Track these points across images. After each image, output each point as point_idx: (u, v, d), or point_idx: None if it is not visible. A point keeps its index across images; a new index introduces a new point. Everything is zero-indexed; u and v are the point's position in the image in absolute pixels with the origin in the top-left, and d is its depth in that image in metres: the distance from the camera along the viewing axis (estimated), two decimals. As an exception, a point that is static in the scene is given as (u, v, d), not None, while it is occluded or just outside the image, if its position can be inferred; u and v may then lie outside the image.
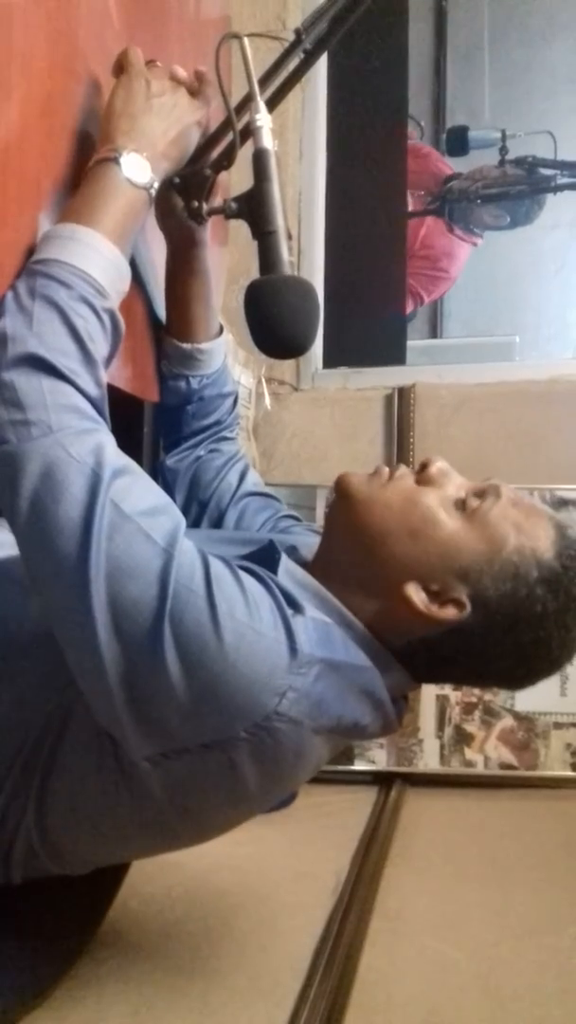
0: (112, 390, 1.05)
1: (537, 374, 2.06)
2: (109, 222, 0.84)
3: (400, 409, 2.04)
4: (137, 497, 0.76)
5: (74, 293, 0.79)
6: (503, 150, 2.70)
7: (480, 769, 1.87)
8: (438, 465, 0.88)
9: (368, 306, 2.30)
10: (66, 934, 0.96)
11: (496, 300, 3.79)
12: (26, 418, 0.74)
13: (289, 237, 0.90)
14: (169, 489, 1.16)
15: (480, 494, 0.86)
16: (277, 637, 0.75)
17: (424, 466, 0.88)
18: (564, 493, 1.89)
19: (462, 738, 1.89)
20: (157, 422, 1.18)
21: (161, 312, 1.13)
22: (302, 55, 0.93)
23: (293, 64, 0.94)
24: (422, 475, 0.88)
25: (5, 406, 0.74)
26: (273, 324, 0.90)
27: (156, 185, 0.89)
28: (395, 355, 2.32)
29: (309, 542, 1.02)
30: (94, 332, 0.80)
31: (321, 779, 1.79)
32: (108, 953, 1.07)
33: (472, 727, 1.89)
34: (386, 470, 0.89)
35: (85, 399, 0.77)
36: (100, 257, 0.82)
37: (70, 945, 0.96)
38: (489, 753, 1.88)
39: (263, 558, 0.86)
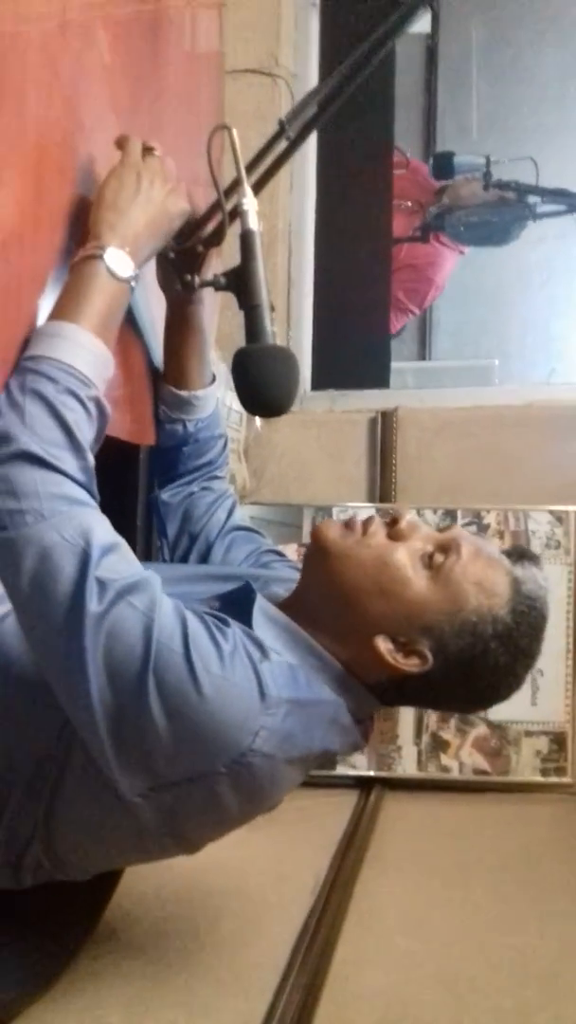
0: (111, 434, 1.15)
1: (513, 399, 2.17)
2: (93, 316, 0.91)
3: (383, 432, 2.15)
4: (122, 570, 0.85)
5: (60, 386, 0.87)
6: (487, 175, 2.80)
7: (455, 774, 1.98)
8: (408, 519, 0.97)
9: (355, 329, 2.40)
10: (67, 931, 1.07)
11: (483, 313, 3.88)
12: (20, 507, 0.83)
13: (272, 309, 1.00)
14: (162, 521, 1.26)
15: (444, 548, 0.95)
16: (248, 684, 0.85)
17: (395, 521, 0.97)
18: (535, 513, 2.02)
19: (438, 745, 2.00)
20: (155, 461, 1.28)
21: (158, 360, 1.23)
22: (286, 142, 1.03)
23: (278, 150, 1.04)
24: (393, 530, 0.97)
25: (2, 497, 0.83)
26: (257, 389, 1.00)
27: (137, 276, 0.96)
28: (380, 377, 2.42)
29: (286, 576, 1.12)
30: (80, 421, 0.88)
31: (305, 783, 1.90)
32: (103, 949, 1.18)
33: (448, 734, 2.00)
34: (359, 524, 0.97)
35: (74, 483, 0.86)
36: (84, 350, 0.89)
37: (70, 942, 1.07)
38: (464, 759, 1.99)
39: (240, 597, 0.96)
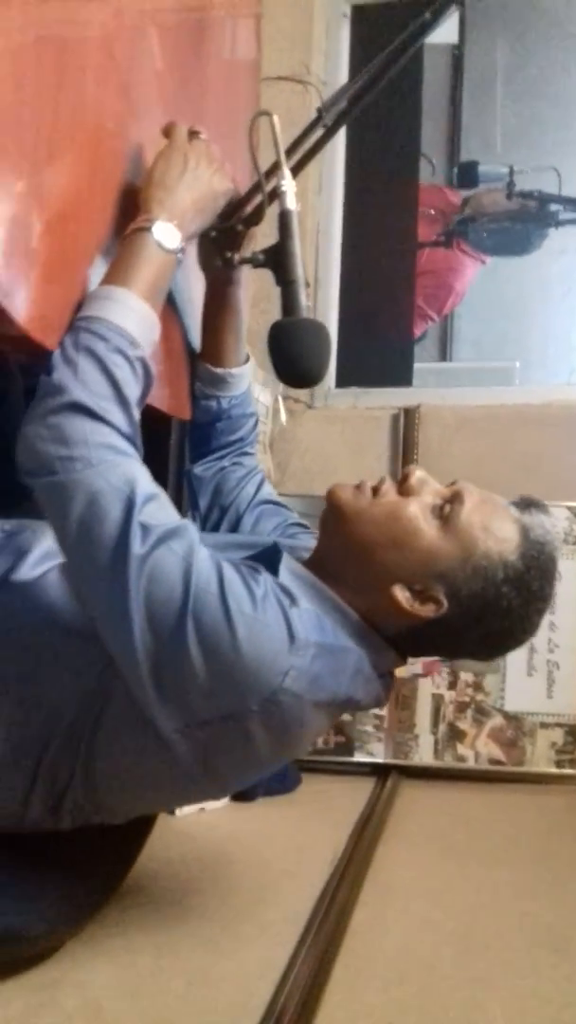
0: (146, 409, 1.21)
1: (533, 398, 2.22)
2: (142, 283, 0.98)
3: (406, 428, 2.20)
4: (162, 518, 0.91)
5: (111, 345, 0.93)
6: (510, 185, 2.86)
7: (471, 764, 2.02)
8: (417, 475, 1.02)
9: (379, 330, 2.46)
10: (99, 877, 1.11)
11: (504, 323, 3.93)
12: (71, 454, 0.89)
13: (307, 285, 1.06)
14: (194, 494, 1.32)
15: (452, 500, 1.00)
16: (279, 626, 0.90)
17: (405, 477, 1.03)
18: (554, 509, 2.06)
19: (455, 735, 2.04)
20: (189, 436, 1.33)
21: (195, 341, 1.29)
22: (323, 129, 1.09)
23: (315, 136, 1.10)
24: (403, 486, 1.02)
25: (54, 444, 0.89)
26: (292, 360, 1.06)
27: (183, 249, 1.04)
28: (403, 376, 2.48)
29: (311, 546, 1.17)
30: (128, 378, 0.94)
31: (322, 769, 1.98)
32: (131, 902, 1.23)
33: (464, 724, 2.04)
34: (370, 485, 1.03)
35: (120, 435, 0.92)
36: (133, 313, 0.96)
37: (101, 887, 1.11)
38: (479, 749, 2.03)
39: (267, 557, 1.01)
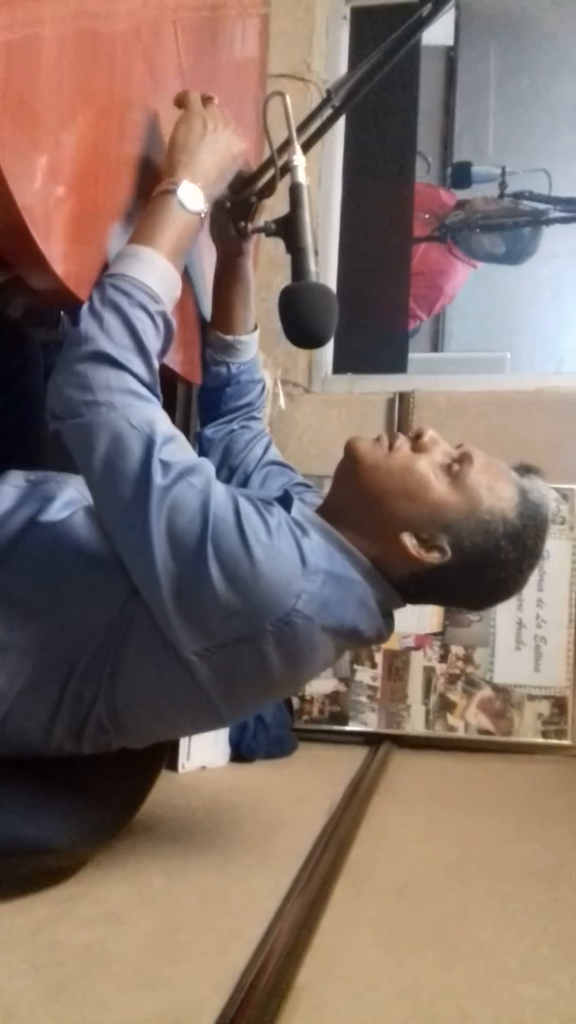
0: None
1: (524, 385, 2.31)
2: (166, 243, 1.06)
3: (400, 412, 2.29)
4: (181, 456, 1.00)
5: (134, 300, 1.02)
6: (503, 185, 2.96)
7: (461, 733, 2.10)
8: (430, 434, 1.11)
9: (375, 319, 2.55)
10: (117, 798, 1.19)
11: (494, 323, 4.03)
12: (96, 399, 0.97)
13: (315, 253, 1.14)
14: (205, 455, 1.39)
15: (460, 459, 1.09)
16: (292, 553, 0.99)
17: (418, 435, 1.11)
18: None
19: (445, 705, 2.12)
20: (200, 401, 1.42)
21: (207, 311, 1.38)
22: (331, 110, 1.18)
23: (324, 116, 1.18)
24: (417, 443, 1.11)
25: (80, 390, 0.98)
26: (301, 320, 1.14)
27: (206, 210, 1.11)
28: (397, 364, 2.56)
29: (316, 503, 1.25)
30: (148, 331, 1.02)
31: (316, 739, 2.06)
32: (142, 838, 1.30)
33: (455, 696, 2.12)
34: (386, 439, 1.11)
35: (140, 383, 1.00)
36: (156, 271, 1.04)
37: (120, 809, 1.19)
38: (469, 720, 2.11)
39: (281, 500, 1.09)
